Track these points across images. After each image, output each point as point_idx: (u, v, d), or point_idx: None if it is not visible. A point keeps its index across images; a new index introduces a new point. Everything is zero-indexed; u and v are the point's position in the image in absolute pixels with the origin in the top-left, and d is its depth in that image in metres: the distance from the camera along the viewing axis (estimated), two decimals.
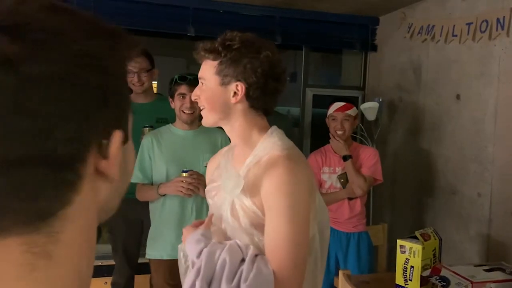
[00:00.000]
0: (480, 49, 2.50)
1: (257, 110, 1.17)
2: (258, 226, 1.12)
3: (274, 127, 1.21)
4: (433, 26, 2.82)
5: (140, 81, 2.44)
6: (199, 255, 1.11)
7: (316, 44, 3.55)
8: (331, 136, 2.62)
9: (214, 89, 1.15)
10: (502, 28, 2.34)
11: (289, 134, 1.29)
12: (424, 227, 2.17)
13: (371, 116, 3.16)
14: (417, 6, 3.03)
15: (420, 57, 3.01)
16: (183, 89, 2.13)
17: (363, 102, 3.47)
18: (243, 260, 1.08)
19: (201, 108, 1.22)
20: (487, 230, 2.44)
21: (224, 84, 1.14)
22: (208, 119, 1.21)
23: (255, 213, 1.12)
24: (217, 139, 2.28)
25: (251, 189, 1.12)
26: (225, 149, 1.36)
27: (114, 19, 2.98)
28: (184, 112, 2.14)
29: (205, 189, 1.35)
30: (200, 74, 1.20)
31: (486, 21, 2.44)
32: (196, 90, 1.21)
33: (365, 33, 3.50)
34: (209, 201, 1.31)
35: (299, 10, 3.27)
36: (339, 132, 2.56)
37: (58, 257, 0.38)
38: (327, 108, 2.68)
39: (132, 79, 2.42)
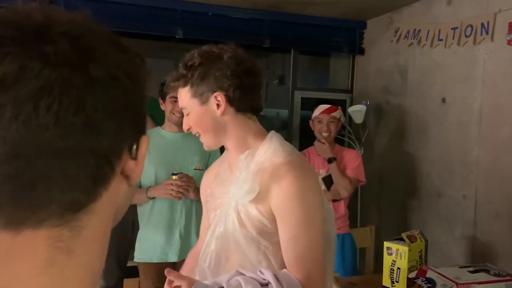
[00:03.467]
0: (465, 53, 2.55)
1: (245, 112, 1.15)
2: (264, 234, 1.11)
3: (272, 132, 1.19)
4: (419, 30, 2.86)
5: None
6: None
7: (305, 47, 3.57)
8: (317, 138, 2.64)
9: (198, 111, 1.14)
10: (487, 33, 2.38)
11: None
12: (410, 229, 2.20)
13: (358, 119, 3.19)
14: (404, 10, 3.07)
15: (406, 60, 3.05)
16: (175, 93, 2.13)
17: (351, 105, 3.49)
18: (263, 285, 1.03)
19: (198, 136, 1.20)
20: (473, 231, 2.48)
21: (203, 102, 1.12)
22: (208, 142, 1.19)
23: (261, 221, 1.10)
24: None
25: (256, 197, 1.10)
26: (219, 161, 1.34)
27: (102, 21, 2.95)
28: (174, 114, 2.14)
29: (205, 200, 1.32)
30: (180, 105, 1.19)
31: (471, 25, 2.48)
32: (185, 121, 1.20)
33: (352, 37, 3.54)
34: (210, 214, 1.27)
35: (287, 14, 3.29)
36: (324, 134, 2.58)
37: (77, 254, 0.40)
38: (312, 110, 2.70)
39: None
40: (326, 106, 2.62)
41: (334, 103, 2.69)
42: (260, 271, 1.05)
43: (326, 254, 1.13)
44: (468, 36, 2.50)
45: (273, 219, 1.10)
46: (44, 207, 0.38)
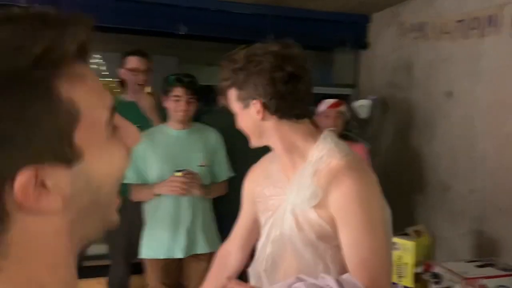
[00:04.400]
0: (471, 47, 2.52)
1: (289, 118, 1.11)
2: (324, 238, 1.09)
3: (327, 132, 1.17)
4: (425, 24, 2.83)
5: (145, 80, 2.49)
6: None
7: (308, 42, 3.52)
8: None
9: (241, 114, 1.13)
10: (493, 26, 2.35)
11: None
12: (416, 223, 2.19)
13: (364, 113, 3.18)
14: (408, 4, 3.04)
15: (411, 54, 3.02)
16: (178, 91, 2.11)
17: (356, 99, 3.48)
18: None
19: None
20: (479, 226, 2.47)
21: (245, 107, 1.11)
22: (254, 143, 1.18)
23: (321, 226, 1.08)
24: (211, 138, 2.27)
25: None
26: (268, 158, 1.29)
27: (105, 17, 2.96)
28: (178, 113, 2.14)
29: (251, 196, 1.28)
30: (230, 106, 1.17)
31: (477, 18, 2.45)
32: (236, 121, 1.18)
33: (356, 31, 3.51)
34: (260, 215, 1.24)
35: (290, 8, 3.27)
36: (331, 129, 2.56)
37: (7, 271, 0.38)
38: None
39: (138, 78, 2.46)
40: (332, 100, 2.61)
41: (338, 98, 2.68)
42: (322, 277, 1.01)
43: (391, 257, 1.12)
44: (475, 29, 2.48)
45: (333, 224, 1.07)
46: None
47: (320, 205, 1.07)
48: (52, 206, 0.39)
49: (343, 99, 2.72)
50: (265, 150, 1.25)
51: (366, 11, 3.40)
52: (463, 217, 2.58)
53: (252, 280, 1.21)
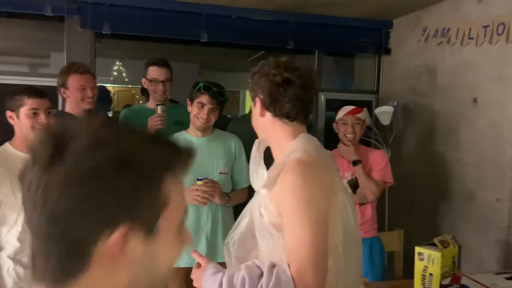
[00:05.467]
0: (498, 52, 2.46)
1: (280, 117, 1.28)
2: (276, 225, 1.17)
3: (304, 134, 1.29)
4: (449, 29, 2.78)
5: (164, 89, 2.51)
6: (220, 285, 1.14)
7: (329, 48, 3.53)
8: (341, 140, 2.59)
9: (252, 112, 1.35)
10: None
11: None
12: (441, 233, 2.14)
13: (385, 120, 3.13)
14: (431, 9, 3.00)
15: (435, 60, 2.97)
16: (204, 99, 2.12)
17: (377, 106, 3.43)
18: (262, 275, 1.09)
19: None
20: (507, 236, 2.40)
21: (254, 105, 1.32)
22: (259, 137, 1.37)
23: (273, 213, 1.18)
24: (231, 145, 2.27)
25: (272, 193, 1.20)
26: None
27: (128, 26, 3.01)
28: (198, 119, 2.14)
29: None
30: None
31: (503, 23, 2.40)
32: None
33: (378, 37, 3.48)
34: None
35: (311, 15, 3.26)
36: (349, 136, 2.51)
37: None
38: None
39: (157, 88, 2.49)
40: (351, 107, 2.56)
41: (359, 104, 2.64)
42: (258, 266, 1.13)
43: (335, 254, 1.15)
44: (500, 34, 2.42)
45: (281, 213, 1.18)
46: (43, 276, 0.51)
47: (274, 194, 1.19)
48: (123, 264, 0.51)
49: (364, 105, 2.68)
50: None
51: (388, 16, 3.37)
52: (490, 227, 2.51)
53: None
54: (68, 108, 2.30)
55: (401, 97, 3.30)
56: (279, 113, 1.27)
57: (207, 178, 2.07)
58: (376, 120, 3.24)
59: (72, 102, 2.26)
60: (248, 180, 2.27)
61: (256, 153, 1.36)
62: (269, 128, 1.30)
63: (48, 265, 0.49)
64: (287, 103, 1.25)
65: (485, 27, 2.51)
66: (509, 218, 2.38)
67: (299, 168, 1.15)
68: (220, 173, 2.17)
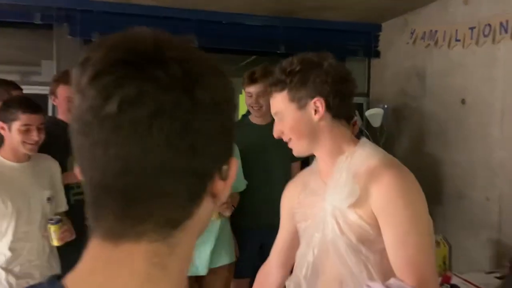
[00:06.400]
0: (484, 53, 2.50)
1: (340, 119, 1.15)
2: (365, 241, 1.06)
3: (364, 138, 1.19)
4: (436, 31, 2.81)
5: None
6: None
7: (319, 52, 3.55)
8: None
9: (294, 116, 1.13)
10: (506, 32, 2.33)
11: None
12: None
13: (376, 122, 3.16)
14: (419, 11, 3.03)
15: (424, 62, 3.00)
16: None
17: (368, 108, 3.46)
18: None
19: (287, 142, 1.18)
20: (497, 235, 2.42)
21: (301, 107, 1.12)
22: (299, 148, 1.16)
23: (361, 227, 1.06)
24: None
25: (355, 201, 1.06)
26: (306, 172, 1.31)
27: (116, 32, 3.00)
28: None
29: (289, 211, 1.27)
30: (274, 110, 1.18)
31: (489, 25, 2.43)
32: (277, 127, 1.18)
33: (368, 40, 3.51)
34: (298, 225, 1.23)
35: (301, 19, 3.28)
36: None
37: (171, 270, 0.42)
38: None
39: None
40: None
41: None
42: (368, 285, 0.98)
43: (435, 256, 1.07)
44: (487, 36, 2.45)
45: (375, 224, 1.05)
46: (144, 222, 0.40)
47: (359, 205, 1.05)
48: (225, 196, 0.47)
49: (355, 108, 2.70)
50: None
51: (376, 20, 3.40)
52: (480, 226, 2.53)
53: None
54: (60, 115, 2.31)
55: (391, 99, 3.32)
56: (343, 115, 1.14)
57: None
58: (367, 122, 3.26)
59: (61, 111, 2.27)
60: (243, 184, 2.29)
61: (346, 169, 1.12)
62: (326, 132, 1.13)
63: (164, 210, 0.41)
64: (350, 101, 1.15)
65: (472, 28, 2.54)
66: (499, 217, 2.41)
67: (393, 170, 1.06)
68: None
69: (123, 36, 0.43)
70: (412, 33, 3.04)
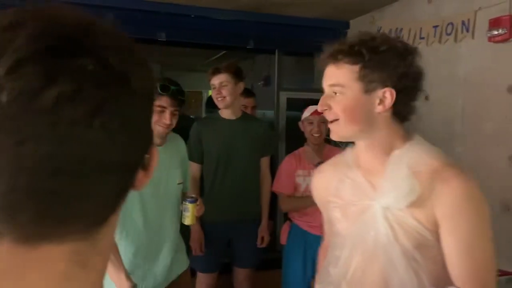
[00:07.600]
0: (447, 51, 2.57)
1: (399, 116, 1.04)
2: (422, 247, 0.98)
3: (418, 135, 1.10)
4: (401, 29, 2.88)
5: None
6: None
7: (288, 48, 3.57)
8: (307, 140, 2.63)
9: (356, 97, 1.00)
10: (467, 31, 2.41)
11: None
12: None
13: None
14: (386, 9, 3.09)
15: None
16: (163, 101, 1.78)
17: None
18: None
19: (330, 120, 1.05)
20: None
21: (368, 91, 0.99)
22: (346, 132, 1.04)
23: (420, 233, 0.97)
24: (182, 149, 2.06)
25: (414, 202, 0.97)
26: (338, 161, 1.20)
27: None
28: (160, 126, 1.81)
29: (331, 206, 1.15)
30: (332, 81, 1.04)
31: (452, 23, 2.51)
32: (327, 100, 1.04)
33: (335, 37, 3.52)
34: (340, 222, 1.12)
35: (271, 15, 3.29)
36: (315, 135, 2.56)
37: (92, 266, 0.40)
38: (301, 111, 2.69)
39: None
40: (315, 107, 2.60)
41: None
42: None
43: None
44: (449, 34, 2.53)
45: (434, 230, 0.97)
46: (71, 223, 0.37)
47: (419, 205, 0.97)
48: (144, 186, 0.45)
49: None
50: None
51: (344, 17, 3.45)
52: None
53: (319, 285, 1.14)
54: None
55: None
56: (404, 112, 1.03)
57: (193, 196, 1.91)
58: None
59: None
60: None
61: (402, 161, 1.01)
62: (383, 127, 1.02)
63: (90, 207, 0.38)
64: (415, 100, 1.04)
65: (435, 27, 2.61)
66: None
67: (464, 175, 0.98)
68: (178, 183, 1.94)
69: (47, 18, 0.37)
70: (378, 31, 3.09)
